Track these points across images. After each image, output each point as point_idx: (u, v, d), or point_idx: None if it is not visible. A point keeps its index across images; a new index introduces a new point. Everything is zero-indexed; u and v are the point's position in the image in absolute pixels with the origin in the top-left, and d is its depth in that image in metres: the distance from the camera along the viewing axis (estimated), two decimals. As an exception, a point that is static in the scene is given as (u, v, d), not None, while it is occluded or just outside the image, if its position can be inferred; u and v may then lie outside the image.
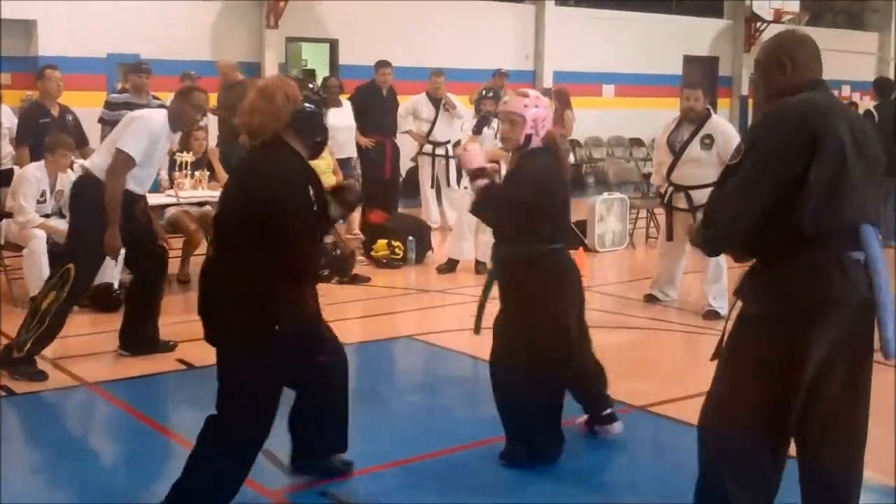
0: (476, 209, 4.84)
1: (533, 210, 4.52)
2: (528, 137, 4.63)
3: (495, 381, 4.75)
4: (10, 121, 9.24)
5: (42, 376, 5.85)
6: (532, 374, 4.53)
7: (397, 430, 5.23)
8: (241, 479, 3.97)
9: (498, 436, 4.83)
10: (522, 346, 4.57)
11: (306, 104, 3.87)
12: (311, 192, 3.80)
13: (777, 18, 20.09)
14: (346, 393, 4.45)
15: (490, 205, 4.68)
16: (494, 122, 9.38)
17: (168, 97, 10.48)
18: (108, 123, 9.72)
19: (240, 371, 3.83)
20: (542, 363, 4.52)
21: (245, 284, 3.76)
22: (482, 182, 4.70)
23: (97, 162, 6.19)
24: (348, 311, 7.99)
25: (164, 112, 6.41)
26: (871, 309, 3.23)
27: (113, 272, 7.68)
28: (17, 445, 5.08)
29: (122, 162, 5.99)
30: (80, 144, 8.75)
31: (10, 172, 8.88)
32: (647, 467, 4.78)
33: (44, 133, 8.42)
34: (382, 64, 11.90)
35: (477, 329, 4.91)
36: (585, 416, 5.10)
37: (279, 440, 4.33)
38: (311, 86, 3.98)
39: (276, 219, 3.71)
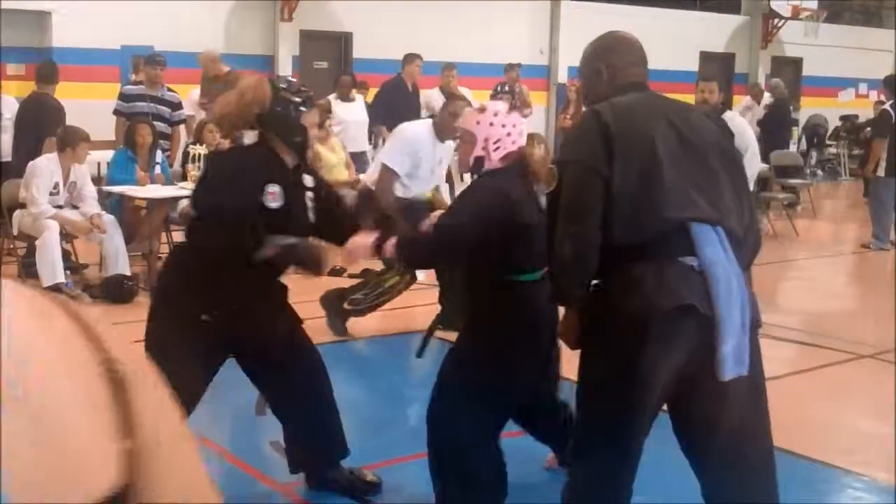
0: (408, 264, 4.38)
1: (479, 243, 3.62)
2: (479, 160, 3.76)
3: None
4: (10, 108, 9.26)
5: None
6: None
7: (410, 425, 5.21)
8: None
9: (514, 431, 4.81)
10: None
11: (278, 106, 3.84)
12: (274, 191, 3.76)
13: (795, 15, 20.01)
14: (325, 398, 4.19)
15: (418, 250, 3.89)
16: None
17: (185, 89, 10.57)
18: (122, 115, 9.75)
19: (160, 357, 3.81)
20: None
21: (183, 270, 3.91)
22: (389, 244, 3.78)
23: (370, 173, 6.66)
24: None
25: (427, 123, 6.70)
26: (710, 322, 2.82)
27: (126, 263, 7.69)
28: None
29: (386, 175, 6.27)
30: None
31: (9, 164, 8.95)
32: (651, 467, 4.75)
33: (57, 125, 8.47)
34: (413, 56, 11.77)
35: (420, 353, 4.46)
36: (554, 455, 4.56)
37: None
38: (284, 86, 3.91)
39: (201, 204, 3.89)
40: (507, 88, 9.85)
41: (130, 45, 13.43)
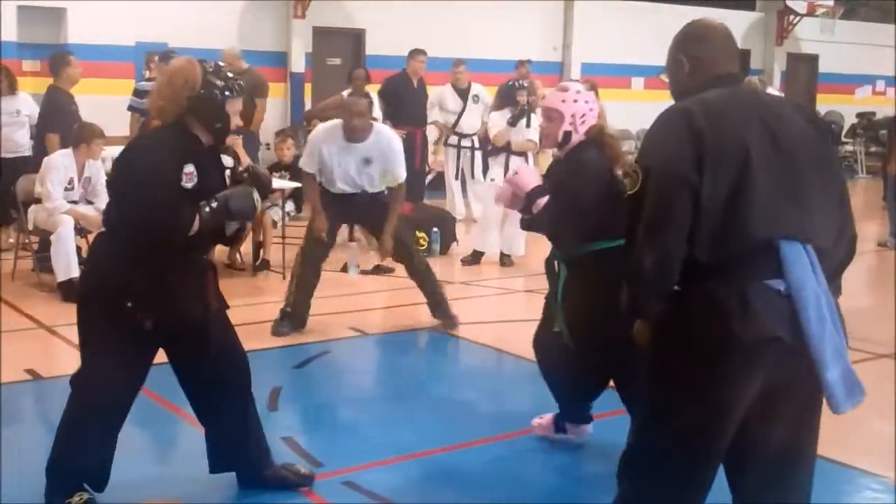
0: (534, 226, 4.55)
1: (591, 208, 4.21)
2: (567, 134, 4.38)
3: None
4: (31, 108, 9.27)
5: None
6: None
7: (418, 422, 5.20)
8: (109, 449, 3.99)
9: (520, 430, 4.80)
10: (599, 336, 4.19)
11: (202, 89, 3.85)
12: (190, 171, 3.77)
13: (810, 12, 19.88)
14: (246, 402, 4.17)
15: (546, 218, 4.39)
16: (528, 115, 9.34)
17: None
18: (136, 111, 9.78)
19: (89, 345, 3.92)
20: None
21: (104, 257, 3.92)
22: (542, 199, 4.39)
23: None
24: (371, 302, 8.00)
25: (336, 123, 6.81)
26: (797, 350, 2.65)
27: (77, 266, 7.65)
28: (40, 428, 5.10)
29: (305, 175, 6.94)
30: None
31: (27, 159, 8.96)
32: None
33: (73, 120, 8.47)
34: (417, 52, 11.79)
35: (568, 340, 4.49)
36: (551, 416, 4.80)
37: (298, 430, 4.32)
38: (211, 69, 3.90)
39: (119, 187, 3.95)
40: (523, 83, 9.79)
41: (145, 42, 13.46)
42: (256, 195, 3.95)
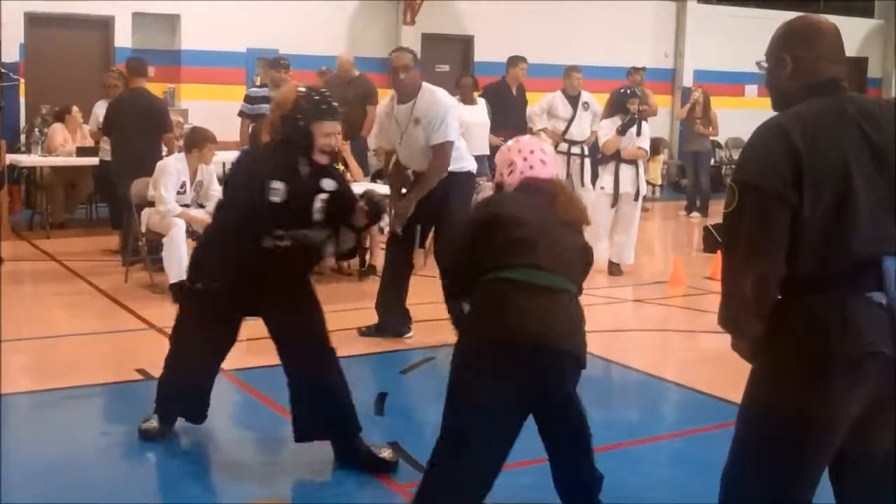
0: None
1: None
2: (498, 185, 4.10)
3: None
4: None
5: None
6: None
7: (524, 429, 5.09)
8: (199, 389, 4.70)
9: (630, 440, 4.67)
10: None
11: (291, 113, 4.26)
12: (278, 186, 4.15)
13: (932, 18, 19.25)
14: (333, 377, 4.44)
15: None
16: (638, 123, 9.22)
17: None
18: (247, 117, 9.90)
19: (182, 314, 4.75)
20: None
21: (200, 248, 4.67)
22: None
23: None
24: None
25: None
26: None
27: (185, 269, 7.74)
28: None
29: None
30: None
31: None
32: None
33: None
34: (518, 59, 11.71)
35: None
36: None
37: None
38: (304, 93, 4.34)
39: (225, 194, 4.60)
40: (634, 91, 9.65)
41: (256, 48, 13.68)
42: (331, 247, 4.37)
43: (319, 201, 4.31)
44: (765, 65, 2.89)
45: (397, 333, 6.72)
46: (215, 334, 4.59)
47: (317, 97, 4.35)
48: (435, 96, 6.53)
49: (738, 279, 2.66)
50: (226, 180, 4.71)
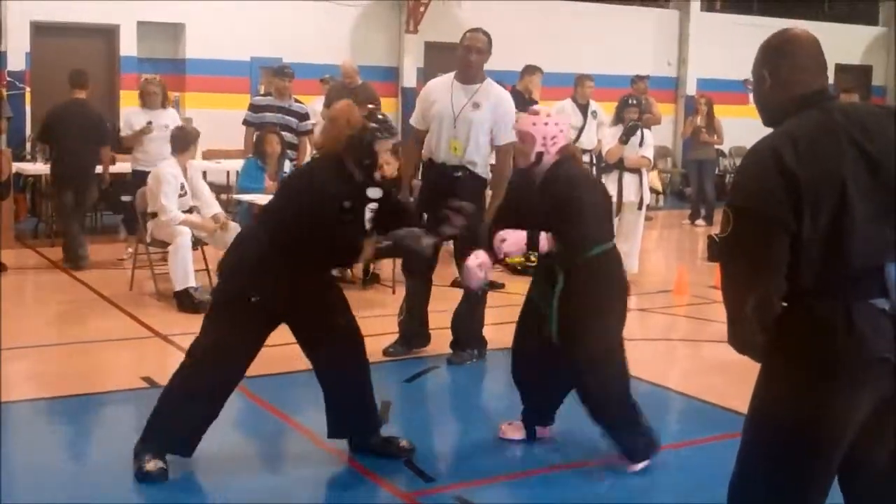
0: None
1: (592, 214, 4.58)
2: (539, 155, 4.65)
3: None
4: (176, 123, 9.28)
5: None
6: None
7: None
8: (209, 419, 4.42)
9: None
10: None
11: (362, 133, 4.45)
12: (342, 201, 4.35)
13: (935, 25, 19.25)
14: (361, 375, 4.63)
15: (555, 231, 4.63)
16: (641, 132, 9.21)
17: (310, 100, 10.74)
18: (251, 125, 9.91)
19: (216, 322, 4.48)
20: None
21: (248, 254, 4.51)
22: (542, 234, 4.61)
23: None
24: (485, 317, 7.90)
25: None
26: None
27: (193, 276, 7.78)
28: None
29: None
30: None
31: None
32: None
33: None
34: (533, 69, 11.54)
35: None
36: (519, 422, 5.05)
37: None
38: (379, 116, 4.56)
39: (281, 204, 4.58)
40: (635, 102, 9.64)
41: (259, 57, 13.71)
42: (427, 240, 4.46)
43: (370, 210, 4.52)
44: (750, 87, 2.91)
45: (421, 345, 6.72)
46: (252, 350, 4.51)
47: (378, 115, 4.70)
48: (503, 92, 6.54)
49: (740, 304, 2.66)
50: (288, 193, 4.69)
